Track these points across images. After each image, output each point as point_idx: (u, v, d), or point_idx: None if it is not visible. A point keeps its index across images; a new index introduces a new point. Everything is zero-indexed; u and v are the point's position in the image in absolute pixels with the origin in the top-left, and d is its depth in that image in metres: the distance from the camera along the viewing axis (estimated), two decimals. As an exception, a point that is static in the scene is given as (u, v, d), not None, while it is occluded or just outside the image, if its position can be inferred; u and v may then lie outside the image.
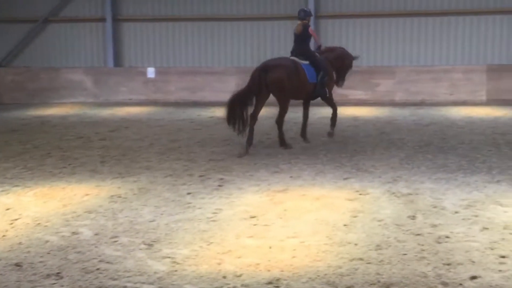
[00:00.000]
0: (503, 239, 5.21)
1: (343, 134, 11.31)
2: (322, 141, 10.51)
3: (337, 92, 17.28)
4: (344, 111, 15.08)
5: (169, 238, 5.40)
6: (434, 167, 8.26)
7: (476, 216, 5.92)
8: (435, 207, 6.29)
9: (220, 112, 15.12)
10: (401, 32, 18.23)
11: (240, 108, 9.29)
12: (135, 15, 19.30)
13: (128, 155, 9.54)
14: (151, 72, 18.33)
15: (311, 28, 10.50)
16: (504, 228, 5.50)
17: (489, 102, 16.45)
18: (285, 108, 9.73)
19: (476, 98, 16.77)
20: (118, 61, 19.43)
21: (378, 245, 5.13)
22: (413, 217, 5.92)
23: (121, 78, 18.62)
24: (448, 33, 17.88)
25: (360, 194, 6.88)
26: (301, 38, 10.18)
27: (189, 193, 7.04)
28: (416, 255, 4.88)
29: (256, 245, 5.18)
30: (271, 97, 9.71)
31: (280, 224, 5.78)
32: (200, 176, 7.96)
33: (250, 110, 9.43)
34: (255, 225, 5.78)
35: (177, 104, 17.34)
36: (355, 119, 13.62)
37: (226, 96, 9.83)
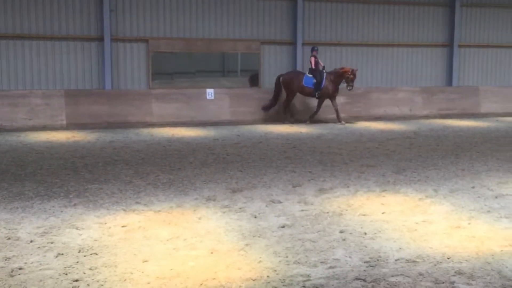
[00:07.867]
0: (77, 262, 5.22)
1: None
2: None
3: None
4: None
5: None
6: (10, 196, 7.88)
7: (52, 242, 5.83)
8: (9, 238, 5.96)
9: None
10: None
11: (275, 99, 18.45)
12: None
13: None
14: None
15: (312, 58, 18.26)
16: (79, 251, 5.54)
17: (68, 127, 16.74)
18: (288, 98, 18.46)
19: (56, 123, 16.89)
20: None
21: None
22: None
23: None
24: (23, 57, 17.57)
25: None
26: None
27: None
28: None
29: None
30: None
31: None
32: None
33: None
34: None
35: None
36: None
37: None
